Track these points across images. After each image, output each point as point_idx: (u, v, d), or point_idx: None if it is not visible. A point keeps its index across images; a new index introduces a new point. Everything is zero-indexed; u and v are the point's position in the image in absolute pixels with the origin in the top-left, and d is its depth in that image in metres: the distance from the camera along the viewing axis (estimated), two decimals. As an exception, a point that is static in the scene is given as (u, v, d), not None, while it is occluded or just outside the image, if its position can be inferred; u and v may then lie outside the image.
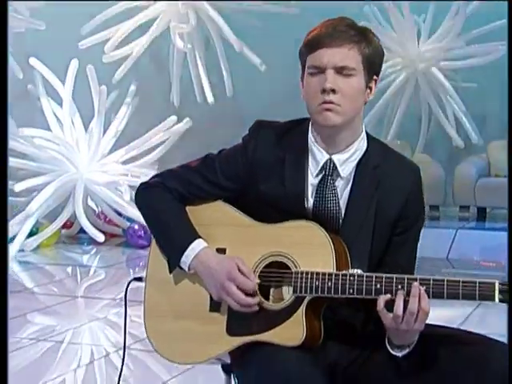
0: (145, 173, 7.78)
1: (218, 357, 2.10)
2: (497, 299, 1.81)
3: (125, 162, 7.77)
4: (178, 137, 7.76)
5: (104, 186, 7.44)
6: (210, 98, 7.85)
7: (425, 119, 8.14)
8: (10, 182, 7.24)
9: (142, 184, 2.21)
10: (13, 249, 7.08)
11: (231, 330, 2.03)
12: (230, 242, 2.10)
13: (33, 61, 7.34)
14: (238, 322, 2.03)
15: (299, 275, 1.95)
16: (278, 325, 1.97)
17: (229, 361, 2.07)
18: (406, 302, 1.84)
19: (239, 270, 1.98)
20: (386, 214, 2.05)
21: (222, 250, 2.08)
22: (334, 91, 1.91)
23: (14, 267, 6.88)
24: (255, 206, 2.09)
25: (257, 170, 2.08)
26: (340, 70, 1.92)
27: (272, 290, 2.03)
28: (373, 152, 2.07)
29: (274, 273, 2.01)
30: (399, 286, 1.86)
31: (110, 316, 5.35)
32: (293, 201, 2.05)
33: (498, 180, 7.55)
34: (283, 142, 2.09)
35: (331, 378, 2.00)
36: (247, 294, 1.96)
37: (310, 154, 2.07)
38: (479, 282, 1.83)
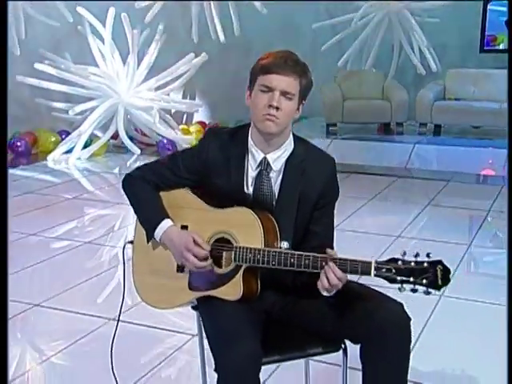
0: (172, 98, 7.99)
1: (182, 305, 2.18)
2: (372, 274, 1.87)
3: (156, 89, 7.75)
4: (197, 68, 7.72)
5: (139, 109, 7.50)
6: (222, 37, 7.78)
7: (396, 51, 8.04)
8: (68, 105, 7.52)
9: (126, 175, 2.24)
10: (72, 158, 7.29)
11: (191, 286, 2.09)
12: (191, 221, 2.14)
13: (80, 9, 7.29)
14: (196, 281, 2.09)
15: (237, 249, 2.00)
16: (223, 284, 2.03)
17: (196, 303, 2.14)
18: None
19: (194, 241, 2.03)
20: (309, 197, 2.10)
21: (185, 227, 2.13)
22: (277, 108, 1.98)
23: (74, 174, 6.98)
24: (210, 193, 2.14)
25: (209, 167, 2.12)
26: (284, 94, 1.98)
27: (223, 259, 2.05)
28: (298, 150, 2.12)
29: (222, 246, 2.06)
30: (322, 263, 1.89)
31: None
32: (235, 189, 2.10)
33: (450, 102, 7.49)
34: (229, 144, 2.13)
35: (267, 319, 2.10)
36: (201, 260, 2.03)
37: (249, 154, 2.11)
38: (361, 262, 1.90)
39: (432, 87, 7.62)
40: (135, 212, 2.18)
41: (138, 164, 7.46)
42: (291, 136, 2.12)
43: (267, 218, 2.04)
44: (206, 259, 2.02)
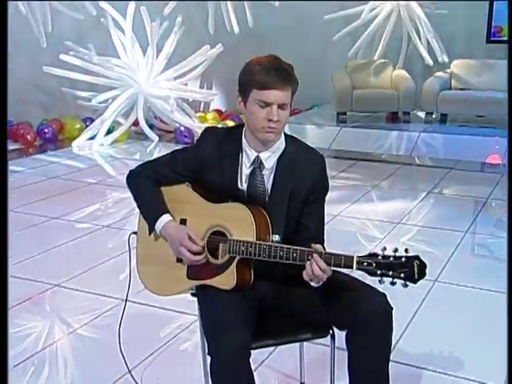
0: (189, 88, 8.01)
1: (181, 293, 2.20)
2: (354, 268, 1.88)
3: (174, 79, 7.75)
4: (213, 59, 7.72)
5: (158, 98, 7.54)
6: (236, 29, 7.79)
7: (404, 42, 7.91)
8: (92, 94, 7.58)
9: (130, 172, 2.26)
10: (95, 144, 7.37)
11: (189, 276, 2.13)
12: (189, 215, 2.16)
13: (102, 3, 7.31)
14: (193, 271, 2.13)
15: (231, 242, 2.03)
16: (218, 274, 2.07)
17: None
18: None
19: (189, 237, 2.06)
20: (299, 193, 2.11)
21: (183, 220, 2.15)
22: (279, 120, 1.99)
23: (97, 160, 7.02)
24: (207, 189, 2.16)
25: (205, 164, 2.14)
26: (281, 106, 1.99)
27: (219, 250, 2.07)
28: (289, 149, 2.13)
29: (217, 238, 2.09)
30: (308, 257, 1.90)
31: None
32: (228, 185, 2.12)
33: (455, 92, 7.37)
34: (223, 144, 2.14)
35: (260, 307, 2.13)
36: (195, 254, 2.06)
37: (243, 153, 2.12)
38: (344, 256, 1.90)
39: (438, 77, 7.51)
40: (138, 206, 2.21)
41: (158, 150, 7.45)
42: (283, 135, 2.13)
43: (260, 213, 2.06)
44: (200, 253, 2.05)
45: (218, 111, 8.84)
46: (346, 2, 8.12)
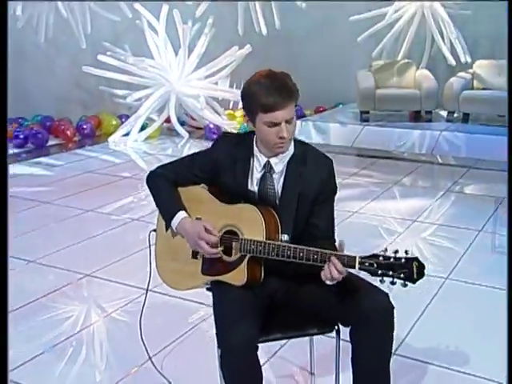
0: (218, 87, 8.05)
1: (196, 288, 2.26)
2: (357, 268, 1.91)
3: (206, 77, 7.81)
4: (241, 59, 7.74)
5: (189, 96, 7.63)
6: (264, 30, 7.83)
7: (428, 43, 7.84)
8: (127, 92, 7.70)
9: (150, 173, 2.30)
10: (130, 140, 7.52)
11: (204, 271, 2.18)
12: (204, 214, 2.20)
13: (137, 6, 7.44)
14: (208, 267, 2.17)
15: (243, 241, 2.07)
16: (231, 271, 2.11)
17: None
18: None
19: (206, 229, 2.11)
20: (307, 195, 2.13)
21: (198, 219, 2.19)
22: (289, 135, 2.04)
23: (132, 155, 7.13)
24: (221, 191, 2.20)
25: (219, 167, 2.19)
26: (288, 121, 2.02)
27: (232, 248, 2.11)
28: (298, 153, 2.16)
29: (230, 237, 2.12)
30: (314, 256, 1.93)
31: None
32: (240, 188, 2.16)
33: (476, 92, 7.24)
34: (236, 148, 2.18)
35: (270, 303, 2.15)
36: (212, 246, 2.10)
37: (255, 158, 2.16)
38: (347, 256, 1.92)
39: (460, 77, 7.40)
40: (156, 205, 2.27)
41: (188, 146, 7.48)
42: (292, 141, 2.15)
43: (270, 214, 2.09)
44: (216, 246, 2.09)
45: None
46: (371, 3, 8.07)
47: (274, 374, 2.68)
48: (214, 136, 7.50)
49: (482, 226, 4.47)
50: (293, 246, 1.99)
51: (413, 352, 2.83)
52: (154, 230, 2.32)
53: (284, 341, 2.76)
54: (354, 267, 1.91)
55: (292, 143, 2.16)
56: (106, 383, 2.70)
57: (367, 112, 7.58)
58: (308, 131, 7.50)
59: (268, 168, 2.14)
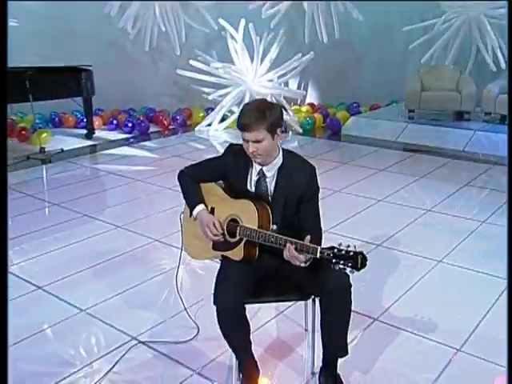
0: (285, 88, 8.15)
1: (210, 259, 2.54)
2: (318, 256, 2.04)
3: (278, 78, 7.91)
4: (305, 64, 7.79)
5: (261, 95, 7.59)
6: (325, 39, 7.85)
7: (473, 50, 7.54)
8: (213, 90, 7.97)
9: (180, 171, 2.47)
10: (211, 129, 7.77)
11: (214, 248, 2.40)
12: (216, 205, 2.41)
13: (221, 20, 7.69)
14: (217, 244, 2.39)
15: (241, 227, 2.26)
16: (232, 249, 2.32)
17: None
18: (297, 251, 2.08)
19: (213, 224, 2.33)
20: (294, 195, 2.28)
21: (213, 208, 2.40)
22: (255, 151, 2.19)
23: (212, 142, 7.32)
24: (229, 188, 2.39)
25: (226, 170, 2.37)
26: (255, 141, 2.17)
27: (236, 232, 2.29)
28: (286, 162, 2.31)
29: (233, 224, 2.31)
30: (283, 243, 2.10)
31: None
32: (241, 188, 2.34)
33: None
34: (239, 158, 2.33)
35: (265, 276, 2.35)
36: (214, 235, 2.32)
37: (252, 166, 2.33)
38: (312, 246, 2.05)
39: (499, 82, 7.08)
40: (183, 196, 2.47)
41: None
42: (280, 153, 2.31)
43: (263, 207, 2.26)
44: (217, 235, 2.33)
45: (311, 104, 8.94)
46: (424, 12, 7.88)
47: (277, 327, 2.94)
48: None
49: (485, 218, 4.39)
50: (276, 234, 2.16)
51: (392, 319, 2.97)
52: (183, 213, 2.54)
53: (291, 303, 2.95)
54: (316, 255, 2.06)
55: (281, 155, 2.30)
56: (152, 322, 3.02)
57: (413, 111, 7.46)
58: (360, 126, 7.50)
59: (261, 174, 2.31)
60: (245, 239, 2.26)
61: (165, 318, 3.04)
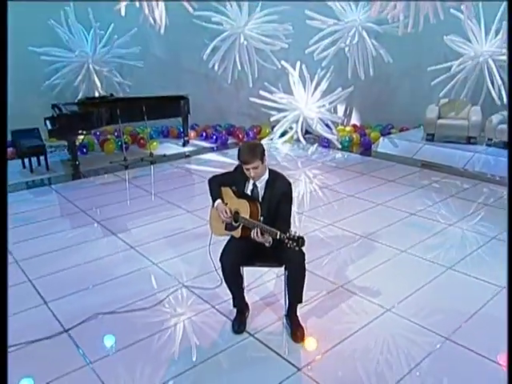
0: (328, 114, 8.34)
1: (225, 235, 2.76)
2: (278, 238, 2.34)
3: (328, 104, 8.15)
4: (346, 95, 8.02)
5: (311, 118, 8.11)
6: (362, 76, 8.04)
7: (484, 88, 7.40)
8: (275, 113, 8.34)
9: (209, 179, 2.81)
10: (273, 143, 8.14)
11: (225, 228, 2.77)
12: (229, 200, 2.77)
13: (283, 62, 8.11)
14: (228, 227, 2.74)
15: (240, 217, 2.64)
16: (234, 230, 2.71)
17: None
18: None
19: (225, 210, 2.71)
20: (275, 199, 2.63)
21: (226, 203, 2.76)
22: (254, 174, 2.58)
23: (274, 153, 7.43)
24: (236, 191, 2.75)
25: (235, 181, 2.77)
26: (253, 168, 2.57)
27: (239, 220, 2.63)
28: (271, 178, 2.69)
29: (237, 214, 2.65)
30: (262, 231, 2.41)
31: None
32: (242, 192, 2.73)
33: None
34: (242, 174, 2.70)
35: (255, 250, 2.65)
36: (226, 217, 2.69)
37: (249, 181, 2.72)
38: (273, 231, 2.33)
39: (500, 114, 6.97)
40: (210, 194, 2.85)
41: (311, 149, 7.66)
42: (267, 172, 2.73)
43: (254, 205, 2.67)
44: (228, 217, 2.75)
45: (354, 125, 9.07)
46: (448, 54, 7.86)
47: (274, 284, 3.37)
48: (325, 144, 7.91)
49: (454, 221, 4.43)
50: (257, 223, 2.56)
51: (352, 287, 3.31)
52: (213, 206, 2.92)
53: (282, 273, 3.25)
54: (275, 237, 2.44)
55: (267, 173, 2.71)
56: (194, 274, 3.53)
57: (431, 134, 7.51)
58: (386, 145, 7.63)
59: (254, 185, 2.76)
60: (242, 224, 2.69)
61: (202, 273, 3.57)
